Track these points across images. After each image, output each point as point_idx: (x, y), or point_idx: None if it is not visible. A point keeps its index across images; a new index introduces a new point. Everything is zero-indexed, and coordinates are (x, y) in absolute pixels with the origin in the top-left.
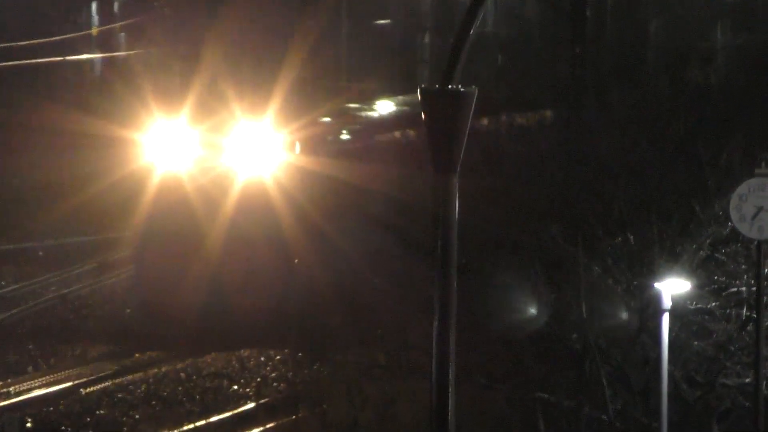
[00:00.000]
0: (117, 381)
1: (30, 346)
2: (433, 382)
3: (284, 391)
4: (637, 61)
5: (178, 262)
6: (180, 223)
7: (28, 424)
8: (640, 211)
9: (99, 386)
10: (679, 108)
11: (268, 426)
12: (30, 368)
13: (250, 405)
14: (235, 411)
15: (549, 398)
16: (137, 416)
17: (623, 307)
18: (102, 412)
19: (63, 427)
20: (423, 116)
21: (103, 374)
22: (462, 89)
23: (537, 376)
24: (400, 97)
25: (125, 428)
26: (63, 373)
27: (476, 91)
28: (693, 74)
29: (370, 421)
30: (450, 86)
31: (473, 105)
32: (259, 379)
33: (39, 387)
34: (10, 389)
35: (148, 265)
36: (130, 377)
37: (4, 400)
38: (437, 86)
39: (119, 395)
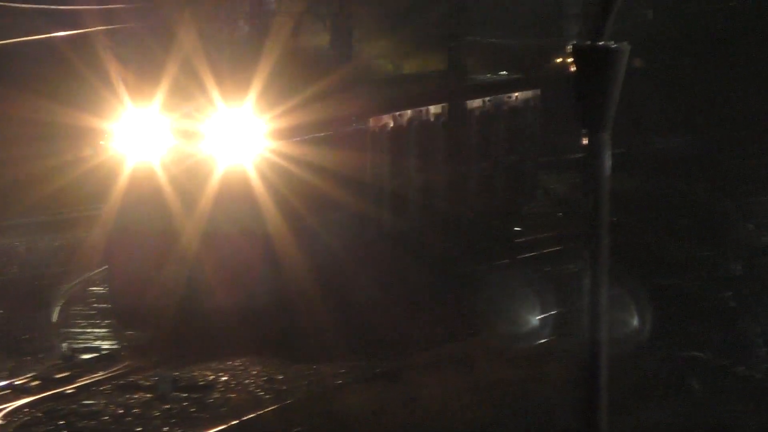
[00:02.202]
0: None
1: None
2: (586, 340)
3: None
4: None
5: (151, 261)
6: (153, 218)
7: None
8: None
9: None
10: None
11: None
12: None
13: None
14: None
15: (701, 357)
16: None
17: None
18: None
19: None
20: (574, 73)
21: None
22: (614, 45)
23: (688, 334)
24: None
25: None
26: None
27: (629, 48)
28: None
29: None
30: (601, 42)
31: (626, 62)
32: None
33: None
34: None
35: (120, 265)
36: None
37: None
38: (588, 43)
39: None
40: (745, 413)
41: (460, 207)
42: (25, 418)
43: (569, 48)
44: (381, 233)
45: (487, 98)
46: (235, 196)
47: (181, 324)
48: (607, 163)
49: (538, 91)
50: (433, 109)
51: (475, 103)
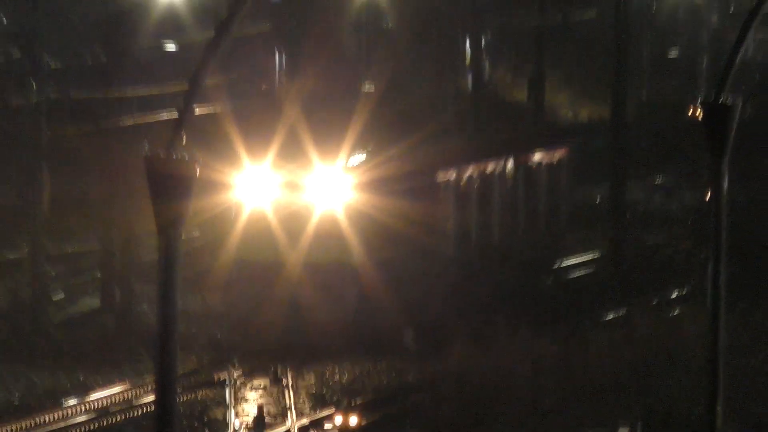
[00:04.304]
0: None
1: None
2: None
3: None
4: None
5: (263, 284)
6: (265, 251)
7: None
8: None
9: None
10: None
11: None
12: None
13: None
14: None
15: None
16: None
17: None
18: None
19: None
20: (702, 118)
21: None
22: (731, 101)
23: None
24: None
25: None
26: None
27: (741, 101)
28: None
29: None
30: (722, 98)
31: (739, 110)
32: None
33: None
34: None
35: (238, 288)
36: None
37: None
38: (713, 98)
39: None
40: None
41: (512, 243)
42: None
43: (698, 101)
44: (447, 265)
45: (534, 154)
46: (329, 234)
47: (287, 333)
48: (726, 182)
49: (565, 149)
50: (493, 164)
51: (528, 157)
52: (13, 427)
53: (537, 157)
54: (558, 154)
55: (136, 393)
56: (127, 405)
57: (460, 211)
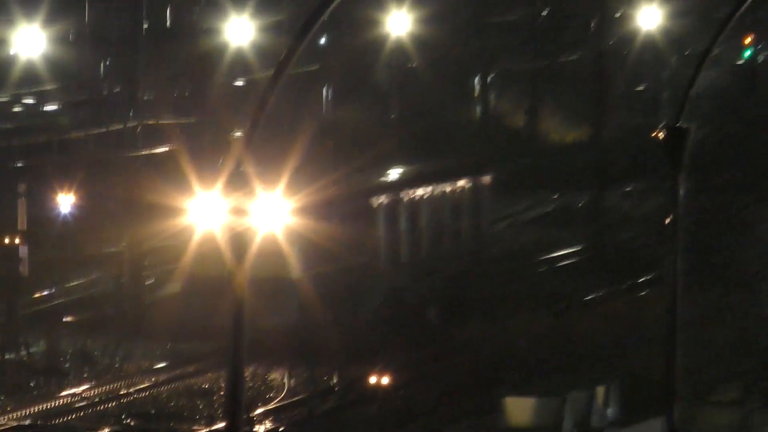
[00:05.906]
0: None
1: None
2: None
3: None
4: None
5: (211, 295)
6: (213, 267)
7: None
8: None
9: None
10: None
11: None
12: None
13: None
14: None
15: None
16: None
17: None
18: None
19: None
20: (663, 139)
21: None
22: (686, 126)
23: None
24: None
25: None
26: None
27: (694, 126)
28: None
29: None
30: (679, 123)
31: (692, 134)
32: None
33: None
34: None
35: (193, 300)
36: None
37: None
38: (672, 123)
39: None
40: None
41: (439, 258)
42: None
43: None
44: (377, 279)
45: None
46: (270, 253)
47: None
48: (682, 191)
49: (489, 176)
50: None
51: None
52: (116, 385)
53: (461, 183)
54: (480, 180)
55: (208, 359)
56: (204, 366)
57: (390, 232)
